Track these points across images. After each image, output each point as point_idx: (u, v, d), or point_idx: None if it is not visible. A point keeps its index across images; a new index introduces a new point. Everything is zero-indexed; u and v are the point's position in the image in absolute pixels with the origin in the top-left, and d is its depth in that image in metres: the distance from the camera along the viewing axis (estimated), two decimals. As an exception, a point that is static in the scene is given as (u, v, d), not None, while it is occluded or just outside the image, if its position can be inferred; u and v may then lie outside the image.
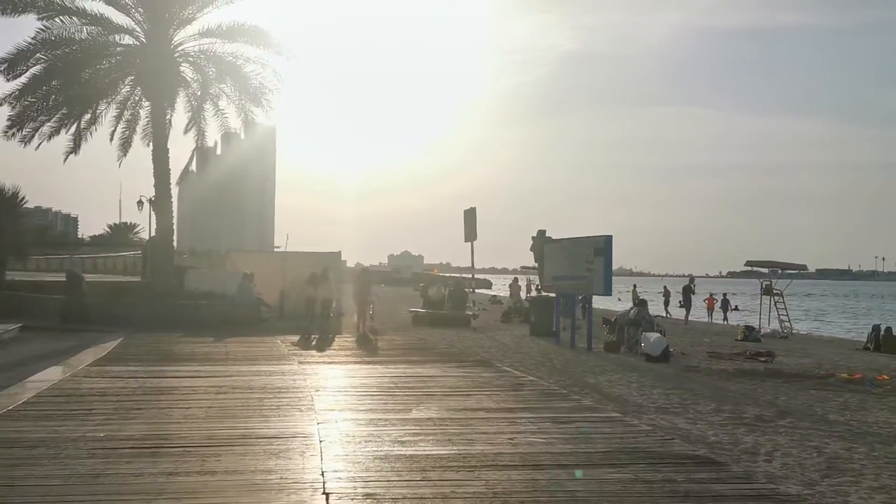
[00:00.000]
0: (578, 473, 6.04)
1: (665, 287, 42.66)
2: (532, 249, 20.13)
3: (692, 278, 36.21)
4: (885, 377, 13.72)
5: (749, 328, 24.31)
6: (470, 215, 22.94)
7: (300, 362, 13.52)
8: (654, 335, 15.59)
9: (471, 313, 24.24)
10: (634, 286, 43.27)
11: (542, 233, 19.78)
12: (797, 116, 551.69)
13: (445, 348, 16.67)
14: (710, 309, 39.42)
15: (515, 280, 43.17)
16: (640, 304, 17.87)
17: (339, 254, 26.16)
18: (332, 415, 8.48)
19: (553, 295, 19.95)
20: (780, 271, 31.13)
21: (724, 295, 43.27)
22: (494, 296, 52.74)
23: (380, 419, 8.24)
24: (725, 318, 39.32)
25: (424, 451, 6.79)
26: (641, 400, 10.36)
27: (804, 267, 32.24)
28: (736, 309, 56.72)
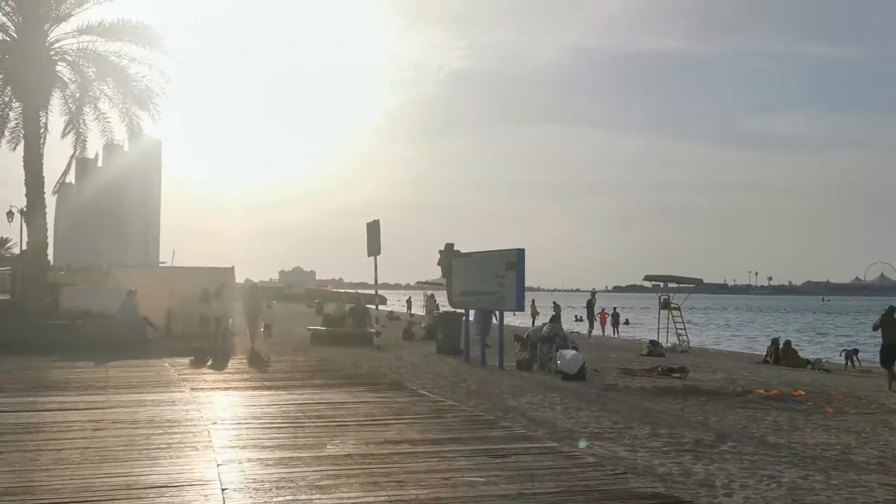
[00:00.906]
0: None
1: (554, 302, 42.91)
2: (439, 264, 19.28)
3: (594, 293, 36.35)
4: (802, 392, 13.58)
5: (654, 343, 24.32)
6: (373, 228, 21.92)
7: (192, 389, 12.14)
8: (570, 352, 15.02)
9: (374, 331, 23.16)
10: (533, 301, 43.28)
11: (449, 246, 18.97)
12: (674, 138, 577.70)
13: (352, 369, 15.57)
14: (603, 323, 39.93)
15: (432, 296, 42.23)
16: (554, 320, 17.32)
17: (231, 269, 24.59)
18: (233, 454, 7.31)
19: (461, 311, 19.17)
20: (675, 285, 31.52)
21: (615, 309, 43.97)
22: (391, 312, 51.74)
23: (290, 458, 7.12)
24: (616, 332, 39.87)
25: (349, 498, 5.77)
26: (571, 424, 9.63)
27: (700, 281, 32.83)
28: (626, 323, 58.06)
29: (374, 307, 25.91)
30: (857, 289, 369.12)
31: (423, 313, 50.76)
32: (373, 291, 26.24)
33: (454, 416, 9.77)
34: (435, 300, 40.47)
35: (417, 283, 63.27)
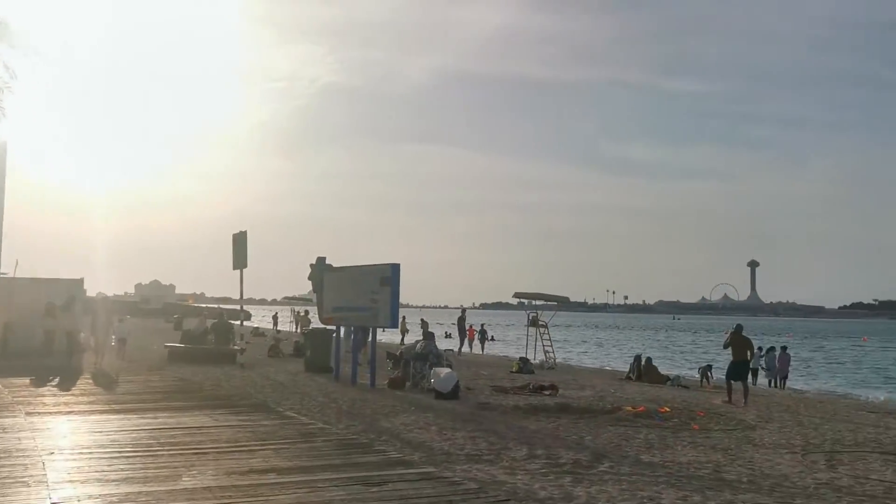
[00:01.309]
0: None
1: (422, 319, 42.86)
2: (310, 278, 18.55)
3: (465, 310, 36.34)
4: (667, 409, 13.82)
5: (523, 360, 24.42)
6: (240, 240, 20.89)
7: (28, 413, 10.91)
8: (444, 370, 14.69)
9: (237, 348, 22.04)
10: (403, 318, 42.95)
11: (321, 260, 18.29)
12: (541, 160, 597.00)
13: (212, 390, 14.60)
14: (471, 339, 40.16)
15: (306, 313, 40.89)
16: (428, 337, 16.97)
17: (80, 281, 22.80)
18: (71, 490, 6.44)
19: (332, 327, 18.51)
20: (542, 302, 32.00)
21: (483, 325, 44.40)
22: (257, 328, 50.03)
23: (140, 493, 6.34)
24: (482, 349, 40.21)
25: (208, 540, 5.12)
26: (447, 446, 9.25)
27: (567, 299, 33.49)
28: (492, 339, 58.81)
29: (238, 323, 24.74)
30: (703, 308, 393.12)
31: (294, 329, 49.36)
32: (237, 306, 25.08)
33: (325, 440, 9.18)
34: (308, 316, 39.42)
35: (284, 298, 61.67)
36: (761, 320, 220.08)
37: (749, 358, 17.76)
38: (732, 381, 17.37)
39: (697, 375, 24.40)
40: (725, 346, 18.03)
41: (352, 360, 17.20)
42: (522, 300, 32.49)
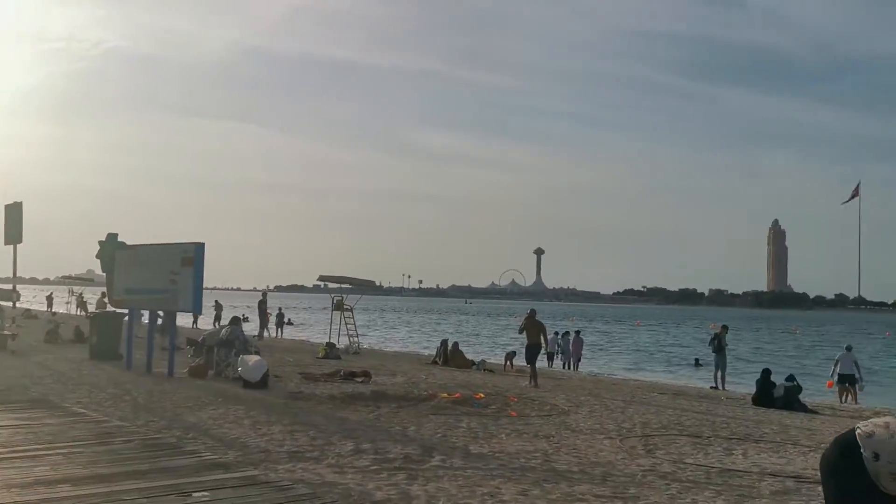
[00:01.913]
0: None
1: (217, 301, 40.91)
2: (99, 256, 16.69)
3: (266, 292, 34.90)
4: (482, 395, 13.81)
5: (330, 345, 23.77)
6: (14, 212, 18.45)
7: None
8: (253, 358, 13.74)
9: (8, 333, 19.55)
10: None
11: (112, 237, 16.51)
12: (342, 143, 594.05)
13: (-21, 382, 12.68)
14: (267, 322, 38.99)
15: (81, 294, 37.18)
16: (234, 322, 15.85)
17: None
18: None
19: (124, 311, 16.83)
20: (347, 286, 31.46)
21: (280, 309, 43.18)
22: (28, 309, 45.32)
23: None
24: (280, 333, 39.08)
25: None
26: (265, 443, 8.49)
27: (372, 283, 33.15)
28: (290, 323, 57.53)
29: (10, 304, 22.00)
30: (493, 292, 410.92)
31: (74, 311, 45.30)
32: (8, 285, 22.29)
33: (125, 440, 8.08)
34: (104, 299, 36.10)
35: (62, 277, 56.34)
36: (545, 305, 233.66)
37: (541, 342, 18.33)
38: (529, 364, 17.98)
39: (500, 360, 25.02)
40: (521, 331, 18.55)
41: (147, 346, 15.72)
42: (326, 283, 31.66)
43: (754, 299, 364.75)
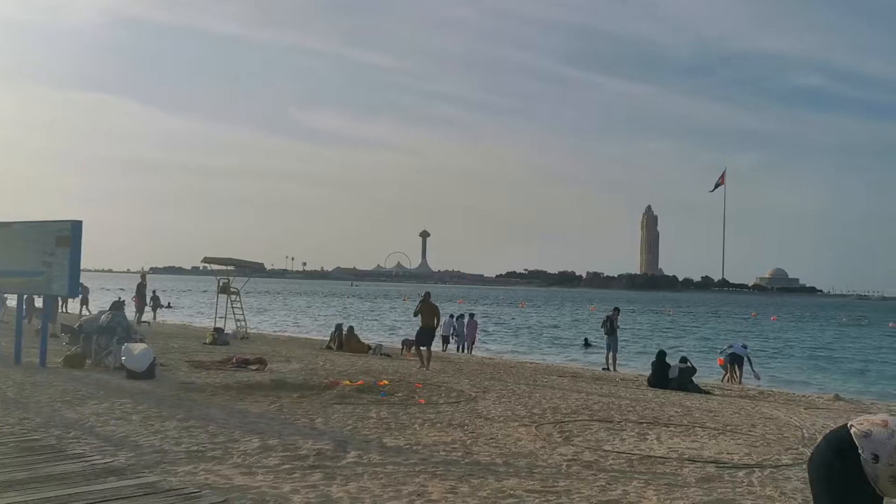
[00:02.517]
0: None
1: (82, 284, 38.52)
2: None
3: (145, 274, 32.98)
4: (386, 382, 13.33)
5: (218, 330, 22.63)
6: None
7: None
8: (139, 346, 12.69)
9: None
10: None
11: (-25, 214, 14.93)
12: (228, 122, 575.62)
13: None
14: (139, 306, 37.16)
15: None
16: (115, 306, 14.64)
17: None
18: None
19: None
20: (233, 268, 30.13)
21: (154, 291, 40.92)
22: None
23: None
24: (154, 317, 37.20)
25: None
26: (159, 442, 7.70)
27: (262, 265, 31.92)
28: (169, 306, 55.08)
29: None
30: (378, 275, 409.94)
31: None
32: None
33: (-3, 444, 7.11)
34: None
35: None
36: (430, 287, 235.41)
37: (435, 324, 18.06)
38: (422, 348, 17.69)
39: (399, 344, 24.57)
40: (416, 314, 18.26)
41: (15, 333, 14.32)
42: (208, 265, 30.21)
43: (629, 281, 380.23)
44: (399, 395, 12.08)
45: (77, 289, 13.38)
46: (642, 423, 10.43)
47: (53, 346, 15.31)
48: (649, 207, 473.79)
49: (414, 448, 7.93)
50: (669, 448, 8.57)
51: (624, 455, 8.01)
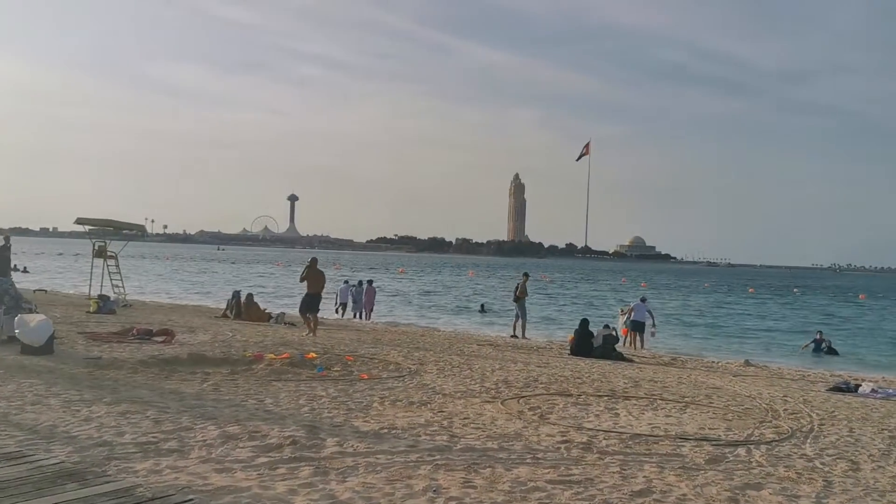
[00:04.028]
0: None
1: None
2: None
3: (8, 237, 29.79)
4: (314, 355, 12.42)
5: (103, 297, 20.73)
6: None
7: None
8: (35, 317, 11.15)
9: None
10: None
11: None
12: (75, 75, 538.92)
13: None
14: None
15: None
16: (2, 272, 12.86)
17: None
18: None
19: None
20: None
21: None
22: None
23: None
24: None
25: None
26: (96, 432, 6.57)
27: (143, 228, 29.66)
28: (25, 271, 50.92)
29: None
30: (245, 239, 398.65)
31: None
32: None
33: None
34: None
35: None
36: (298, 252, 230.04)
37: (321, 290, 17.68)
38: (308, 315, 17.36)
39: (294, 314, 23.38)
40: (302, 279, 17.67)
41: None
42: (85, 226, 27.75)
43: (497, 248, 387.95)
44: (336, 369, 11.23)
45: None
46: (601, 395, 10.11)
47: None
48: (517, 175, 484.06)
49: (392, 432, 7.17)
50: (651, 424, 8.24)
51: (613, 434, 7.58)
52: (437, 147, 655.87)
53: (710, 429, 8.18)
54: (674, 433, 7.80)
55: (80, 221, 27.39)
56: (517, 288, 22.13)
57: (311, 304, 17.38)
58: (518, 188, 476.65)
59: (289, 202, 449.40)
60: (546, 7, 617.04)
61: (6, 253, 27.18)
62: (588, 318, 18.62)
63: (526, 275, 22.93)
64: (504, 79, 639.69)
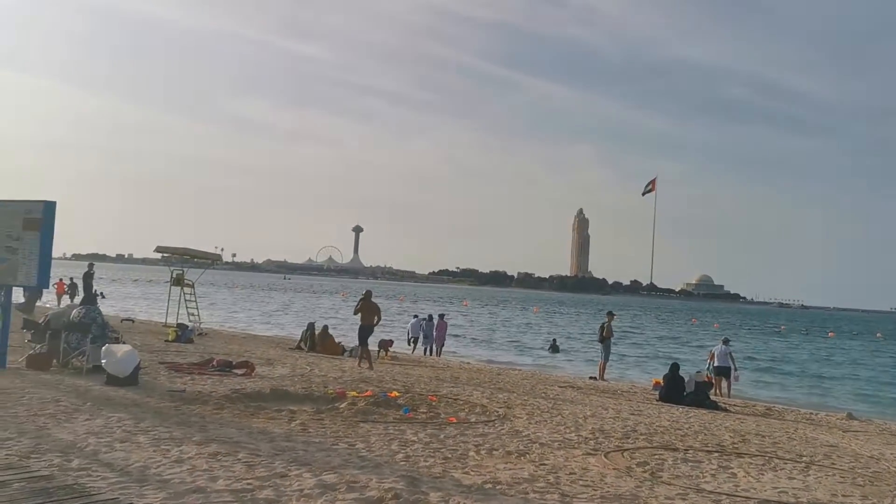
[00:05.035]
0: None
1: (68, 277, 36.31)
2: None
3: (92, 264, 30.50)
4: (396, 393, 11.98)
5: (182, 326, 20.80)
6: None
7: None
8: (122, 347, 11.02)
9: None
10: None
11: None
12: (153, 106, 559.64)
13: None
14: (60, 294, 35.33)
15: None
16: (88, 300, 12.85)
17: None
18: None
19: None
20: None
21: (72, 279, 37.85)
22: None
23: None
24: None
25: None
26: (189, 476, 6.22)
27: (219, 257, 30.00)
28: (102, 296, 51.99)
29: None
30: (310, 269, 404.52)
31: None
32: None
33: (7, 480, 5.52)
34: None
35: None
36: (362, 283, 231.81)
37: (375, 323, 17.71)
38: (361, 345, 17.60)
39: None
40: (356, 312, 17.70)
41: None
42: (165, 254, 28.21)
43: (559, 283, 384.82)
44: (421, 410, 10.75)
45: (48, 279, 11.58)
46: (709, 451, 9.37)
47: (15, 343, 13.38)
48: (581, 210, 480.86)
49: (497, 488, 6.63)
50: (776, 488, 7.49)
51: (739, 500, 6.88)
52: (499, 181, 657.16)
53: (843, 496, 7.40)
54: (805, 500, 7.06)
55: (159, 250, 27.85)
56: (602, 328, 21.35)
57: (364, 335, 17.53)
58: (581, 223, 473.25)
59: (353, 233, 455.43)
60: (606, 41, 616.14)
61: (90, 280, 27.78)
62: (678, 361, 17.74)
63: (611, 314, 22.15)
64: (565, 111, 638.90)
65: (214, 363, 14.02)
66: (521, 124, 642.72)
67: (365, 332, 17.45)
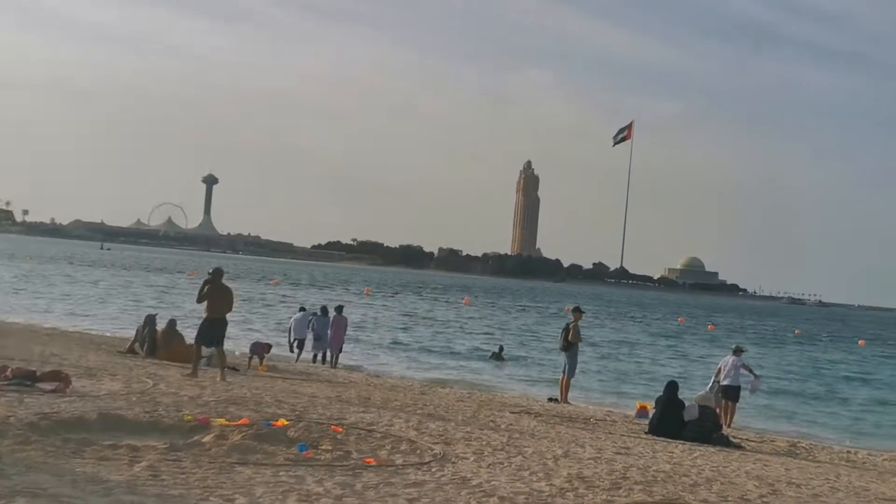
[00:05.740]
0: None
1: None
2: None
3: None
4: (285, 422, 11.70)
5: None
6: None
7: None
8: None
9: None
10: None
11: None
12: None
13: None
14: None
15: None
16: None
17: None
18: None
19: None
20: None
21: None
22: None
23: None
24: None
25: None
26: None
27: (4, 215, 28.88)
28: None
29: None
30: (140, 234, 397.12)
31: None
32: None
33: None
34: None
35: None
36: (216, 257, 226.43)
37: (226, 314, 17.65)
38: (204, 346, 17.69)
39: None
40: (200, 299, 17.58)
41: None
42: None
43: (496, 265, 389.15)
44: (324, 447, 10.52)
45: None
46: (731, 508, 9.46)
47: None
48: (528, 164, 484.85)
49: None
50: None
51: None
52: (412, 118, 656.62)
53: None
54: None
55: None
56: (567, 330, 21.20)
57: (211, 333, 17.40)
58: (529, 181, 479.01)
59: (203, 185, 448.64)
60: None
61: None
62: (676, 380, 17.90)
63: (578, 311, 22.04)
64: (514, 23, 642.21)
65: (8, 373, 13.48)
66: (450, 36, 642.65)
67: (215, 327, 17.31)
